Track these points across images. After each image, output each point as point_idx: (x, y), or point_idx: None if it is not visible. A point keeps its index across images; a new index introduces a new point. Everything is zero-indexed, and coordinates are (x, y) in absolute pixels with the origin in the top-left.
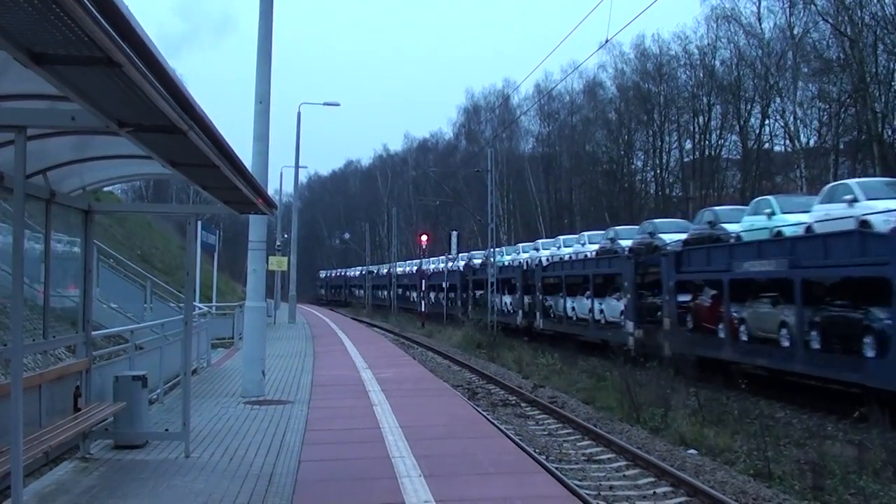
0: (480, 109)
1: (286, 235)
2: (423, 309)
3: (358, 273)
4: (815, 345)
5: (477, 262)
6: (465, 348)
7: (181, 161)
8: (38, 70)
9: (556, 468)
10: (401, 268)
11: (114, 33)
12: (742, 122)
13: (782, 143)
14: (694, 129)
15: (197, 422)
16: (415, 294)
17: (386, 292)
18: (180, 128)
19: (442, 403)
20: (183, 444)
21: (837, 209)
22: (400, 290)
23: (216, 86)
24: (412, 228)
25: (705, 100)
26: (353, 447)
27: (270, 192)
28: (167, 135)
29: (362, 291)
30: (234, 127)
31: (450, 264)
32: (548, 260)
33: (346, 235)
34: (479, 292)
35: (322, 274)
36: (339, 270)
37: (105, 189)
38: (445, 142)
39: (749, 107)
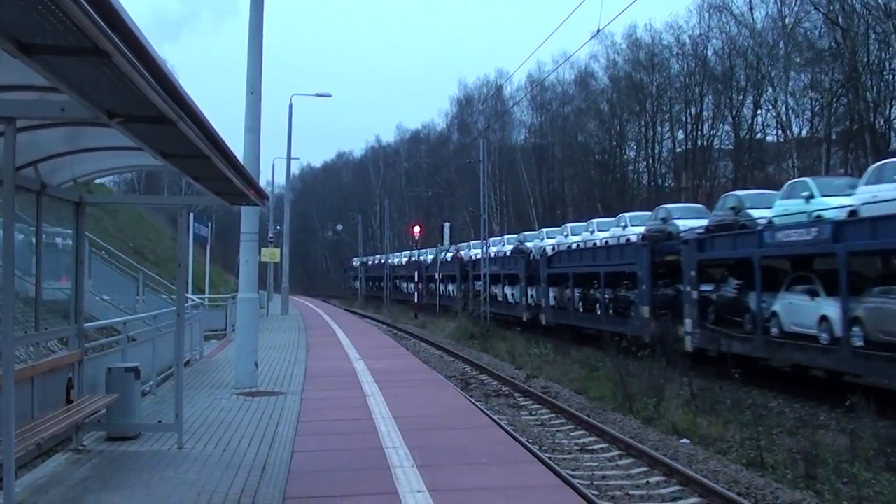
0: (473, 100)
1: (278, 227)
2: (417, 300)
3: (405, 260)
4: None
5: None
6: (459, 339)
7: (172, 152)
8: (26, 60)
9: (549, 458)
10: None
11: (101, 22)
12: (734, 112)
13: (774, 132)
14: (686, 119)
15: (190, 413)
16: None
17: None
18: (170, 118)
19: (435, 394)
20: (176, 436)
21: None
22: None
23: (214, 71)
24: (405, 220)
25: (697, 90)
26: (347, 438)
27: (262, 183)
28: (157, 125)
29: (413, 286)
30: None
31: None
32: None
33: (339, 227)
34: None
35: (356, 261)
36: (380, 257)
37: (96, 181)
38: (438, 133)
39: (741, 97)
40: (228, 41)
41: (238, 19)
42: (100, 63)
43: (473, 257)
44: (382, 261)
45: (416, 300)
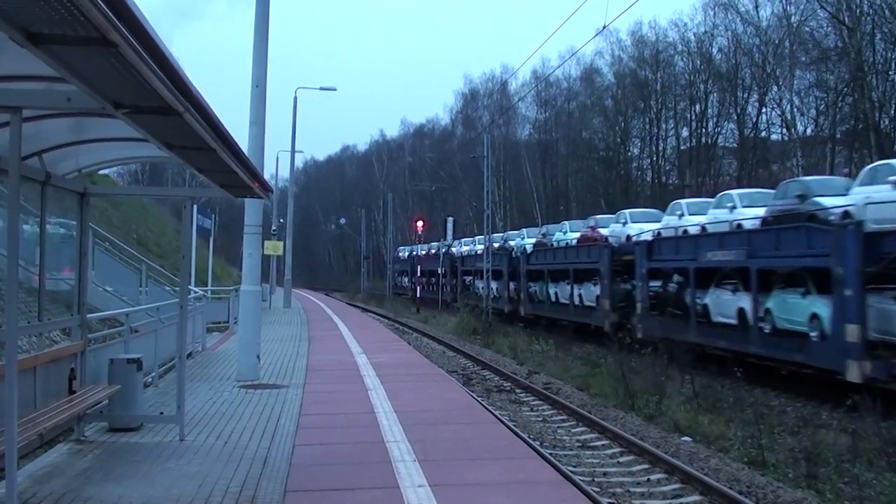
0: (479, 95)
1: (282, 220)
2: (417, 295)
3: (479, 249)
4: None
5: (466, 248)
6: (460, 334)
7: (177, 144)
8: (34, 50)
9: (551, 454)
10: (467, 246)
11: (109, 12)
12: (739, 111)
13: (779, 131)
14: (691, 116)
15: (192, 405)
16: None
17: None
18: (176, 110)
19: (436, 389)
20: (177, 428)
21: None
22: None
23: (220, 61)
24: (408, 214)
25: (702, 87)
26: (348, 431)
27: (266, 176)
28: (163, 117)
29: (498, 288)
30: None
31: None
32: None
33: (342, 221)
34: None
35: (403, 252)
36: (438, 246)
37: (100, 172)
38: (442, 128)
39: (746, 95)
40: (236, 30)
41: (250, 9)
42: (107, 53)
43: (464, 253)
44: (443, 250)
45: (417, 295)
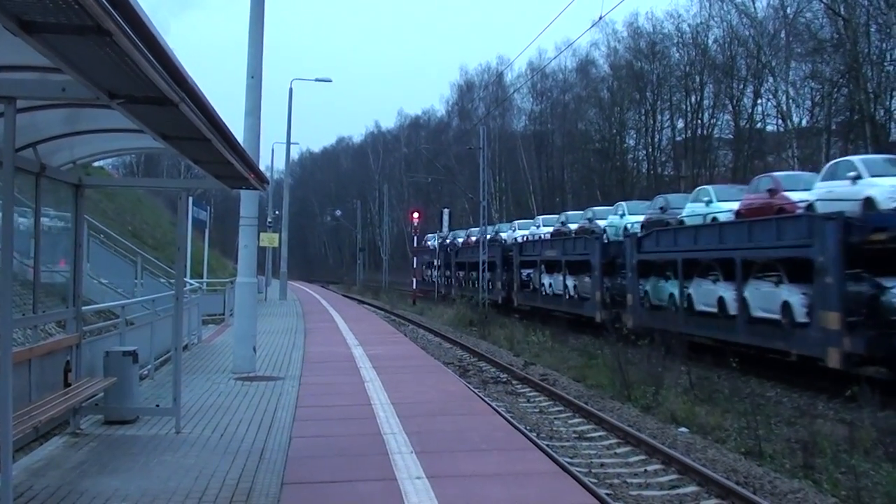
0: (474, 86)
1: (277, 212)
2: (414, 286)
3: (544, 233)
4: None
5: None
6: (457, 326)
7: (173, 134)
8: (28, 39)
9: (548, 445)
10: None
11: (104, 0)
12: (734, 102)
13: (774, 122)
14: (686, 107)
15: (188, 398)
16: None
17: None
18: (172, 100)
19: (433, 380)
20: (174, 420)
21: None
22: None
23: (216, 51)
24: (403, 206)
25: (698, 79)
26: (345, 424)
27: (262, 168)
28: (158, 107)
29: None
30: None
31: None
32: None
33: (338, 212)
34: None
35: (433, 241)
36: (480, 232)
37: (95, 164)
38: (438, 119)
39: (741, 86)
40: (233, 21)
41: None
42: (102, 42)
43: (521, 240)
44: (488, 236)
45: (414, 286)
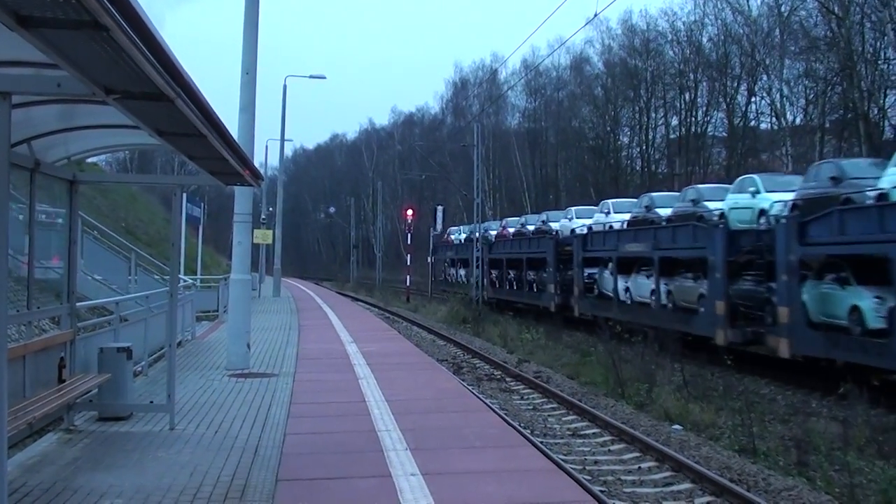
0: (468, 84)
1: (271, 209)
2: (408, 283)
3: (614, 222)
4: None
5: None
6: (450, 323)
7: (168, 130)
8: (24, 34)
9: (542, 442)
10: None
11: None
12: (728, 100)
13: (768, 120)
14: (680, 105)
15: (182, 394)
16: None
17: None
18: (168, 95)
19: (427, 377)
20: (168, 417)
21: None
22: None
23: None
24: (397, 203)
25: (692, 76)
26: (339, 420)
27: (256, 164)
28: (154, 102)
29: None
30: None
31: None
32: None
33: (332, 209)
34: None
35: (458, 234)
36: (522, 223)
37: (89, 161)
38: (432, 116)
39: (735, 84)
40: (227, 17)
41: None
42: (98, 37)
43: (580, 231)
44: (531, 226)
45: (408, 283)
